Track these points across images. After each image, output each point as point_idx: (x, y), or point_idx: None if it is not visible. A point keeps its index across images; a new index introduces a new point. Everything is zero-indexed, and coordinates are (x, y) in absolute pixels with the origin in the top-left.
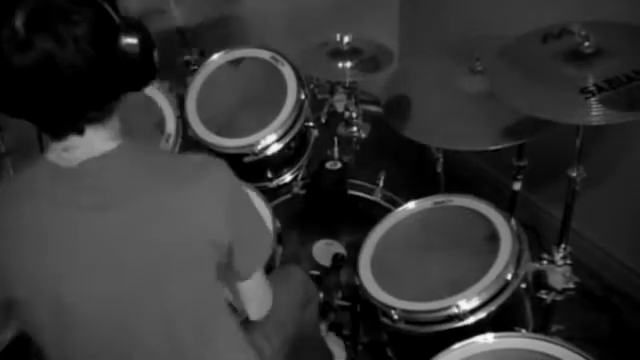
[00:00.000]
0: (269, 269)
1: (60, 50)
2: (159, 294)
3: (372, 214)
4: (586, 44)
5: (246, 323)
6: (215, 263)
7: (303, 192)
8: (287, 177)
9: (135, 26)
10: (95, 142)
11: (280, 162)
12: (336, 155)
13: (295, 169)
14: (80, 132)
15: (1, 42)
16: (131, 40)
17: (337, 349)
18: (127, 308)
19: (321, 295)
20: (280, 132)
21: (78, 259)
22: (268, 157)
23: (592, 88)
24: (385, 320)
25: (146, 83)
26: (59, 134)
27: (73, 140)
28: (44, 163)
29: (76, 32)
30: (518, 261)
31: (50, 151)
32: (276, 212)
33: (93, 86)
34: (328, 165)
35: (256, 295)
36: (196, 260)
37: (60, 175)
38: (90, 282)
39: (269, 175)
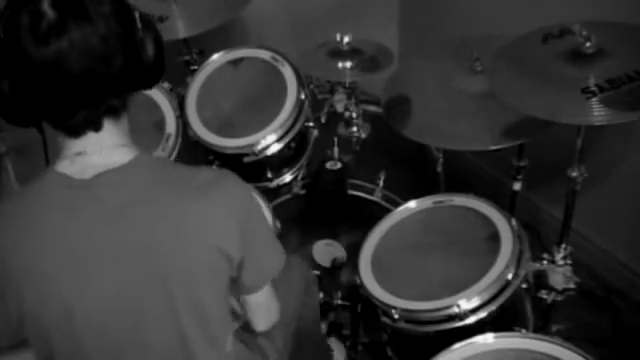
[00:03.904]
0: None
1: (91, 29)
2: (171, 304)
3: (372, 214)
4: (587, 44)
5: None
6: (227, 276)
7: (303, 192)
8: (287, 177)
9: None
10: (109, 146)
11: (280, 162)
12: (336, 155)
13: (295, 169)
14: (97, 128)
15: (30, 28)
16: (147, 27)
17: (337, 353)
18: (138, 317)
19: (321, 295)
20: (280, 132)
21: (91, 271)
22: (268, 157)
23: (593, 88)
24: (385, 319)
25: (158, 78)
26: (77, 130)
27: (89, 141)
28: (54, 175)
29: (103, 10)
30: (519, 261)
31: (61, 160)
32: (276, 212)
33: (117, 68)
34: (328, 165)
35: (263, 308)
36: (208, 273)
37: (73, 187)
38: (102, 293)
39: (269, 175)
